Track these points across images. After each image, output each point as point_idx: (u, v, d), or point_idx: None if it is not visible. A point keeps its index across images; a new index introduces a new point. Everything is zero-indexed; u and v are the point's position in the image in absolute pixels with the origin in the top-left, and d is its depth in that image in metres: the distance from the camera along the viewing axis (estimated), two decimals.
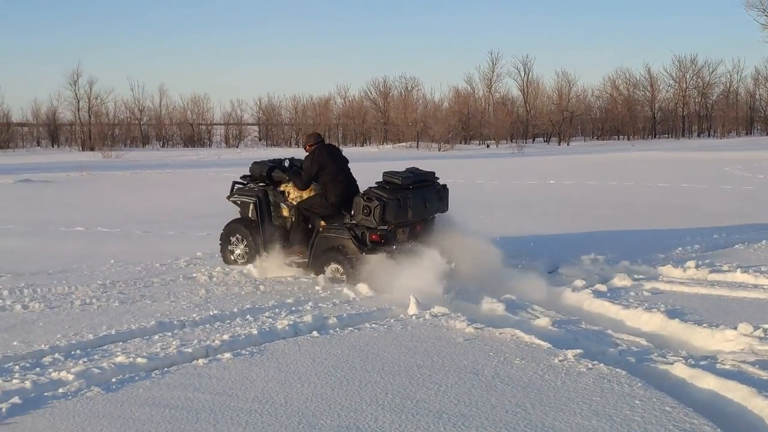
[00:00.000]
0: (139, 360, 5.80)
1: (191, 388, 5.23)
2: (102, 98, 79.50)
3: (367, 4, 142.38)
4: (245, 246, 10.00)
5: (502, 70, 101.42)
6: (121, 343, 6.40)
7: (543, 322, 6.88)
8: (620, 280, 8.62)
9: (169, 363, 5.82)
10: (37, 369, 5.67)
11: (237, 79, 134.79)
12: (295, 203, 9.67)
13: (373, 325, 6.85)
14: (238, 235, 10.07)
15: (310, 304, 7.73)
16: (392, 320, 7.04)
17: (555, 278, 9.00)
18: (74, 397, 5.04)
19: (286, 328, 6.72)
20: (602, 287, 8.34)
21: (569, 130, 78.37)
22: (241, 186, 10.24)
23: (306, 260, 9.39)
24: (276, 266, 9.43)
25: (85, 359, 5.90)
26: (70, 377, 5.40)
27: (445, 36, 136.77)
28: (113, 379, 5.41)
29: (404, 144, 70.91)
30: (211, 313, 7.31)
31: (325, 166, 9.43)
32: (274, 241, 9.69)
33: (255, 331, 6.60)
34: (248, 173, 10.30)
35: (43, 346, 6.23)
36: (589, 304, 7.80)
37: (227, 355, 5.98)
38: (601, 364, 5.61)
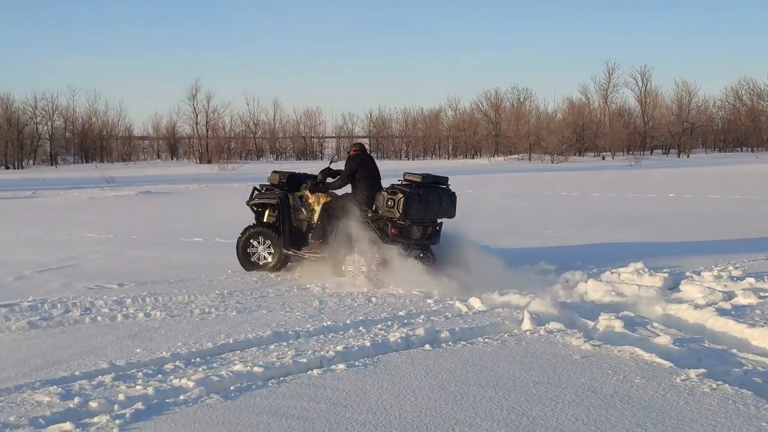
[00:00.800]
0: (256, 369, 5.90)
1: (307, 398, 5.29)
2: (219, 112, 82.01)
3: (478, 16, 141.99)
4: (269, 246, 10.71)
5: (618, 80, 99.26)
6: (238, 351, 6.52)
7: (664, 340, 6.65)
8: (745, 298, 8.29)
9: (285, 372, 5.90)
10: (159, 376, 5.82)
11: (349, 93, 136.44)
12: (313, 207, 10.63)
13: (487, 340, 6.79)
14: (260, 237, 10.77)
15: (422, 317, 7.73)
16: (506, 335, 6.96)
17: (676, 294, 8.74)
18: (194, 404, 5.16)
19: (399, 340, 6.73)
20: (726, 305, 8.03)
21: (689, 141, 76.27)
22: (260, 192, 11.04)
23: (324, 255, 10.17)
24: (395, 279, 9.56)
25: (205, 367, 6.03)
26: (191, 384, 5.53)
27: (559, 46, 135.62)
28: (231, 387, 5.51)
29: (516, 156, 70.38)
30: (325, 324, 7.39)
31: (362, 167, 10.43)
32: (294, 240, 10.56)
33: (368, 343, 6.64)
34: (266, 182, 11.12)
35: (164, 353, 6.41)
36: (713, 322, 7.49)
37: (341, 366, 6.02)
38: (726, 385, 5.40)
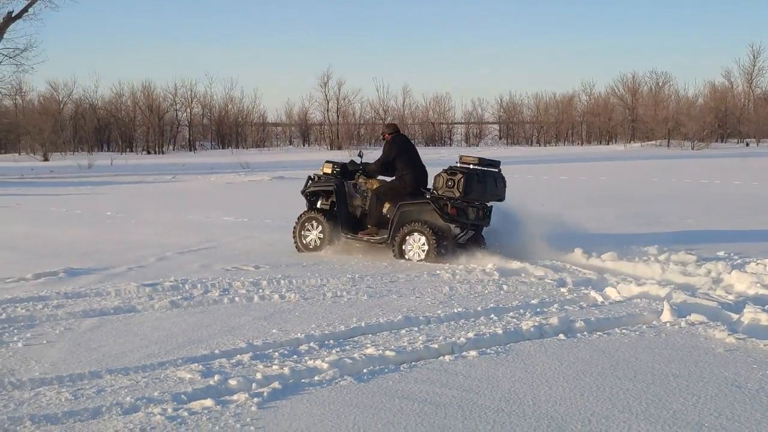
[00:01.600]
0: (387, 353, 5.93)
1: (438, 383, 5.28)
2: (349, 99, 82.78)
3: None
4: (319, 232, 11.15)
5: (764, 64, 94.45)
6: (370, 335, 6.58)
7: None
8: None
9: (416, 357, 5.91)
10: (294, 356, 5.94)
11: (479, 78, 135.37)
12: (368, 191, 11.04)
13: (624, 331, 6.61)
14: (313, 222, 11.21)
15: (555, 306, 7.59)
16: (644, 326, 6.76)
17: None
18: (329, 386, 5.24)
19: (531, 329, 6.62)
20: None
21: None
22: (315, 181, 11.52)
23: (383, 238, 10.62)
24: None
25: (338, 349, 6.11)
26: (325, 366, 5.62)
27: (700, 29, 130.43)
28: (364, 370, 5.56)
29: (653, 142, 68.17)
30: (456, 311, 7.36)
31: (403, 151, 10.92)
32: (351, 225, 10.98)
33: (500, 331, 6.57)
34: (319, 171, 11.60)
35: (299, 334, 6.53)
36: None
37: (473, 353, 5.98)
38: None
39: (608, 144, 75.56)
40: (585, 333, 6.58)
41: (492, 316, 7.19)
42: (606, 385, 5.19)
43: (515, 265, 9.69)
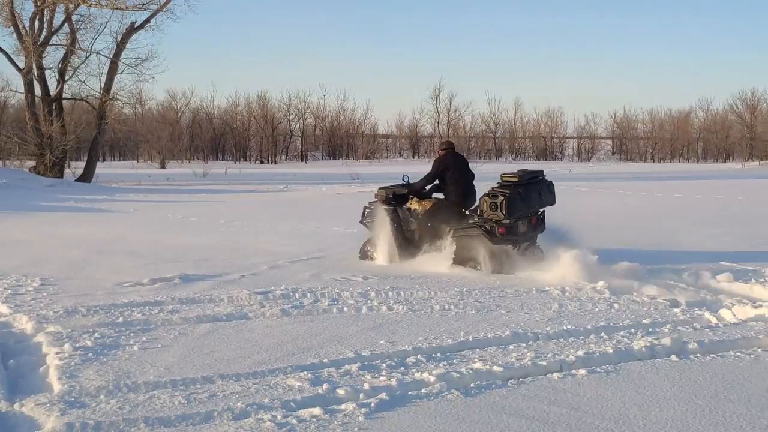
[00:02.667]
0: (495, 368, 5.92)
1: (546, 401, 5.25)
2: (460, 112, 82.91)
3: (732, 10, 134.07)
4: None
5: None
6: (477, 350, 6.57)
7: None
8: None
9: (523, 374, 5.88)
10: (402, 368, 5.99)
11: (592, 92, 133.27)
12: (420, 215, 11.19)
13: (738, 354, 6.41)
14: (374, 249, 11.40)
15: (668, 326, 7.42)
16: (760, 350, 6.54)
17: None
18: (435, 398, 5.27)
19: (643, 349, 6.49)
20: None
21: None
22: (370, 209, 11.72)
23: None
24: None
25: (445, 363, 6.14)
26: (432, 378, 5.65)
27: None
28: (471, 385, 5.57)
29: None
30: (565, 328, 7.28)
31: (450, 168, 11.19)
32: (408, 250, 11.18)
33: (610, 350, 6.47)
34: (374, 198, 11.86)
35: (406, 346, 6.58)
36: None
37: (582, 371, 5.91)
38: None
39: (725, 162, 73.23)
40: (698, 355, 6.41)
41: (602, 334, 7.08)
42: (719, 409, 5.05)
43: (627, 283, 9.51)
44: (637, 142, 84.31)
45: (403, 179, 11.85)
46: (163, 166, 54.70)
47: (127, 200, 25.22)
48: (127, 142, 70.90)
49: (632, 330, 7.26)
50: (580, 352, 6.37)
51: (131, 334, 7.00)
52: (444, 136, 79.52)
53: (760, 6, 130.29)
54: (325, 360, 6.16)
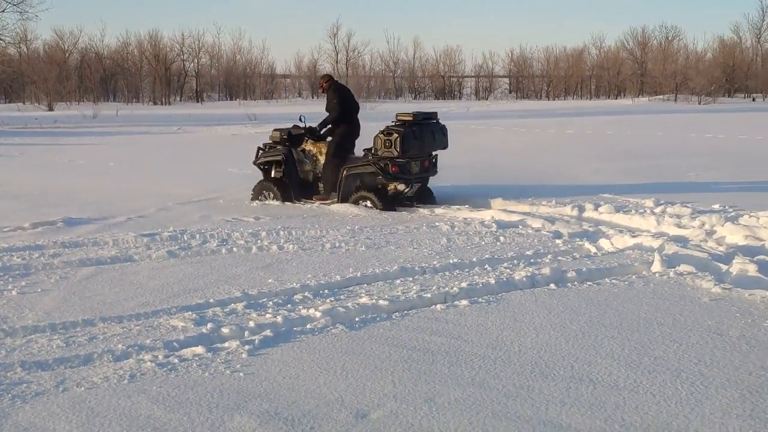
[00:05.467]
0: (381, 302, 6.02)
1: (428, 331, 5.38)
2: (359, 51, 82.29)
3: None
4: (273, 199, 11.39)
5: None
6: (365, 285, 6.66)
7: None
8: None
9: (408, 306, 6.00)
10: (288, 305, 6.03)
11: (489, 31, 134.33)
12: (316, 155, 11.36)
13: (614, 281, 6.68)
14: (266, 192, 11.50)
15: (549, 257, 7.65)
16: (634, 276, 6.83)
17: None
18: (320, 333, 5.34)
19: (524, 279, 6.70)
20: None
21: None
22: (264, 151, 11.73)
23: (333, 200, 11.01)
24: None
25: (332, 298, 6.20)
26: (318, 314, 5.71)
27: None
28: (356, 319, 5.66)
29: (661, 97, 67.74)
30: (451, 261, 7.43)
31: (344, 97, 11.35)
32: (303, 191, 11.37)
33: (493, 281, 6.64)
34: (269, 140, 11.85)
35: (294, 284, 6.62)
36: None
37: (464, 302, 6.06)
38: None
39: (617, 98, 75.13)
40: (576, 283, 6.65)
41: (486, 266, 7.26)
42: (591, 333, 5.27)
43: (514, 217, 9.75)
44: (533, 80, 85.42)
45: (300, 119, 11.80)
46: (50, 109, 52.52)
47: (11, 144, 24.31)
48: (12, 83, 67.79)
49: (515, 261, 7.47)
50: (464, 284, 6.53)
51: (10, 279, 6.85)
52: (343, 75, 79.01)
53: None
54: (210, 300, 6.15)
